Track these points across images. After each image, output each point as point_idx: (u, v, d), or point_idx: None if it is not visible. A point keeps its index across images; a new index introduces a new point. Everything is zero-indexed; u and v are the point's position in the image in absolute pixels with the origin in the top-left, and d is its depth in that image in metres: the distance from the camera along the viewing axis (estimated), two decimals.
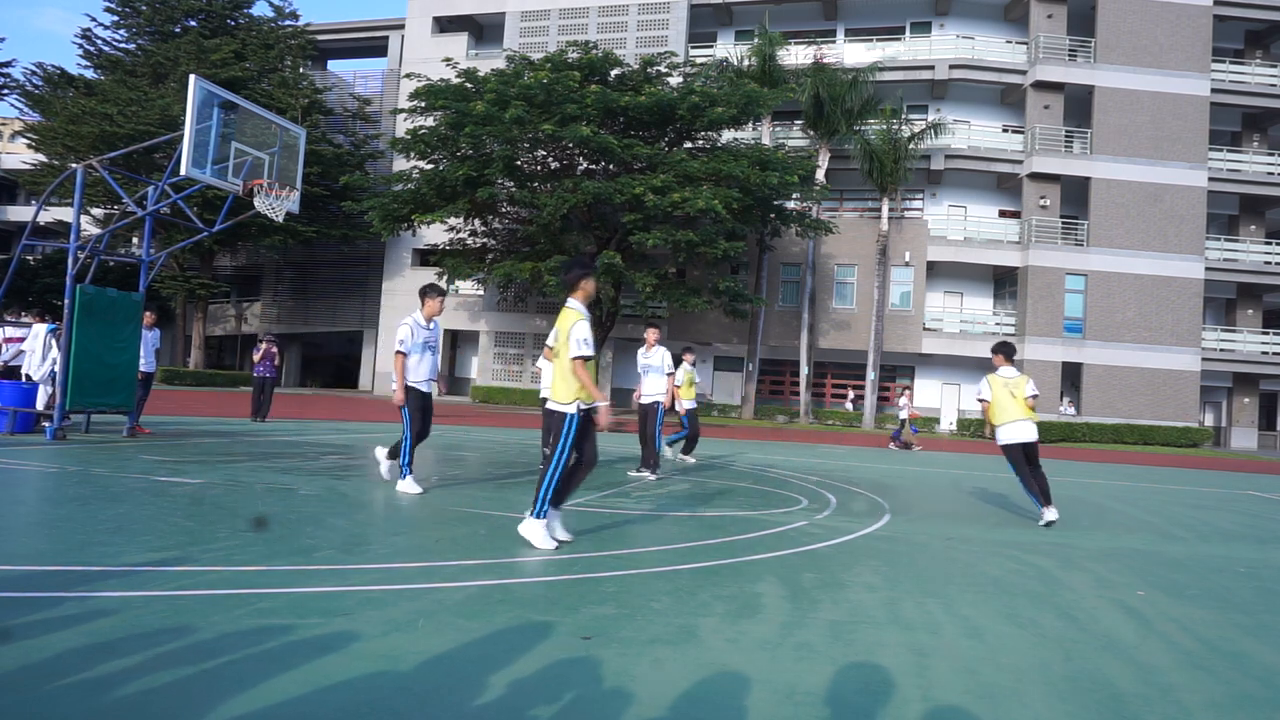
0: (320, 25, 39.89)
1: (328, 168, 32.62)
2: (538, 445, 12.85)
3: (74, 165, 10.16)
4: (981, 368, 31.72)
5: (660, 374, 9.57)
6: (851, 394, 31.97)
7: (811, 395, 30.35)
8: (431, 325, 6.95)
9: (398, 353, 6.68)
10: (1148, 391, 29.32)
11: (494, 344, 34.17)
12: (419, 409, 6.81)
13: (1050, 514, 7.18)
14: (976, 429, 28.71)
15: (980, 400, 7.63)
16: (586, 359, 4.81)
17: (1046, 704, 2.78)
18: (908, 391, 23.82)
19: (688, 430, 11.25)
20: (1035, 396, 7.45)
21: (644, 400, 9.57)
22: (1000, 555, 5.67)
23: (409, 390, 6.73)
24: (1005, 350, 7.68)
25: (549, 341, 5.78)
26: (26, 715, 2.20)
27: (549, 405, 5.08)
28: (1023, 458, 7.34)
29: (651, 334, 9.66)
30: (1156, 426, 28.62)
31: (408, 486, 6.81)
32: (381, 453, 7.37)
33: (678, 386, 10.40)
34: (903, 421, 19.64)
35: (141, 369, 10.62)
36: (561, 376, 4.91)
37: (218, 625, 3.05)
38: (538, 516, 4.87)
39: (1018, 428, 7.36)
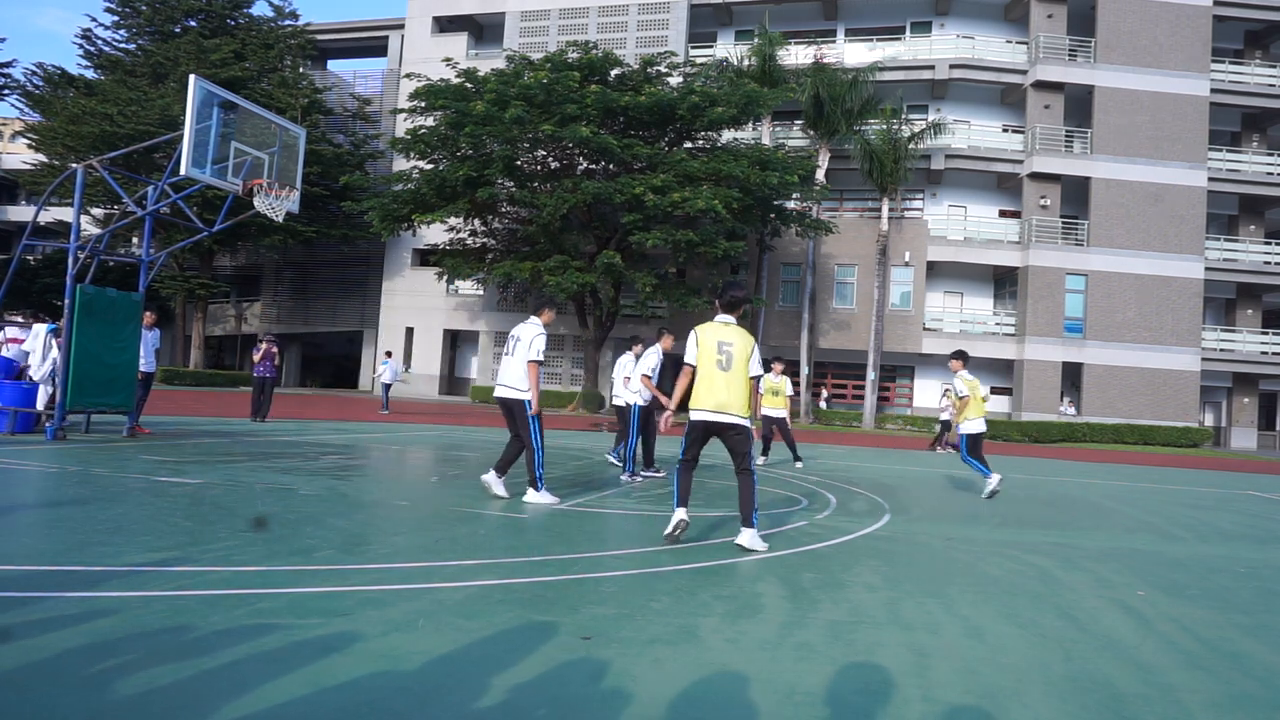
0: (320, 25, 39.88)
1: (328, 168, 32.61)
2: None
3: (74, 165, 10.15)
4: (982, 368, 31.73)
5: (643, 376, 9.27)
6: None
7: (812, 395, 30.36)
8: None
9: (535, 362, 6.53)
10: (1148, 391, 29.33)
11: (494, 344, 34.17)
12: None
13: (994, 482, 9.16)
14: None
15: (960, 396, 9.47)
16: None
17: (1046, 704, 2.78)
18: (950, 393, 22.91)
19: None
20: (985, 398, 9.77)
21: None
22: (1000, 555, 5.67)
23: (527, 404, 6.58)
24: (963, 357, 9.47)
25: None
26: (26, 715, 2.20)
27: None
28: (980, 443, 9.54)
29: (667, 339, 9.39)
30: (1156, 426, 28.62)
31: (543, 498, 6.60)
32: (491, 476, 6.86)
33: (761, 394, 10.45)
34: (943, 423, 19.15)
35: (141, 369, 10.62)
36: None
37: (217, 625, 3.05)
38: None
39: (982, 421, 9.59)
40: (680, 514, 5.26)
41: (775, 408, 11.96)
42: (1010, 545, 6.13)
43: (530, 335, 6.51)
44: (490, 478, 6.78)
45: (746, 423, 5.22)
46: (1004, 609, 4.11)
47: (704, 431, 5.26)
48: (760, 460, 11.41)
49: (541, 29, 34.06)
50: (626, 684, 2.71)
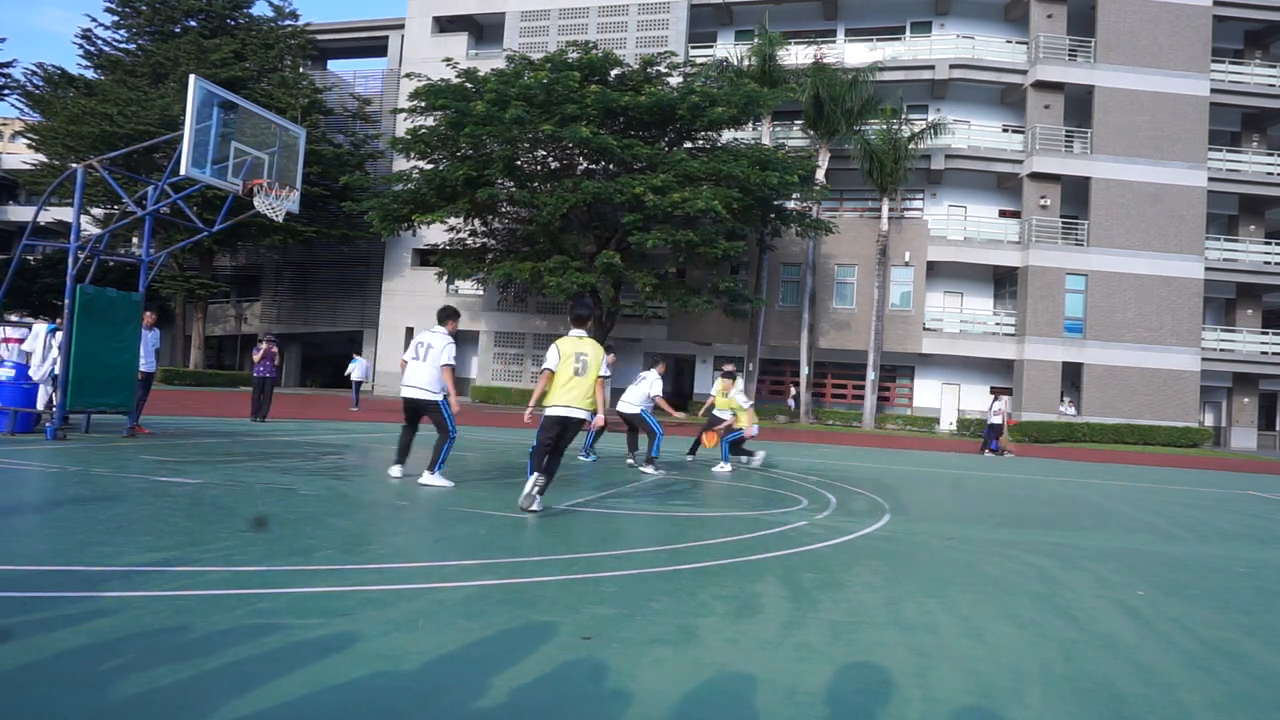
0: (320, 25, 39.87)
1: (328, 168, 32.61)
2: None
3: (74, 165, 10.15)
4: (982, 368, 31.75)
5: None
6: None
7: (812, 395, 30.35)
8: None
9: (450, 366, 7.33)
10: (1148, 391, 29.33)
11: (494, 344, 34.18)
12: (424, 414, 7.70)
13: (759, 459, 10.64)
14: (977, 428, 28.71)
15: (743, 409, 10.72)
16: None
17: (1046, 704, 2.78)
18: (1003, 396, 21.21)
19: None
20: None
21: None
22: (1000, 555, 5.67)
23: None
24: (732, 376, 10.87)
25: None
26: (27, 715, 2.20)
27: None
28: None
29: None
30: (1156, 426, 28.62)
31: (438, 480, 7.38)
32: (397, 469, 7.87)
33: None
34: (992, 426, 19.04)
35: (141, 369, 10.61)
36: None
37: (218, 625, 3.05)
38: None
39: (755, 428, 10.84)
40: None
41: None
42: (1010, 545, 6.13)
43: (442, 344, 7.31)
44: (396, 470, 7.76)
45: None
46: (1004, 609, 4.11)
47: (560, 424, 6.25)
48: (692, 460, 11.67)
49: (541, 29, 34.05)
50: (626, 684, 2.71)
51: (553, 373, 6.19)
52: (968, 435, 28.66)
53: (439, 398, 7.27)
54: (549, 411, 6.17)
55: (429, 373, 7.28)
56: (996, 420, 19.09)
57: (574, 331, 6.41)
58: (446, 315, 7.68)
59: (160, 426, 11.85)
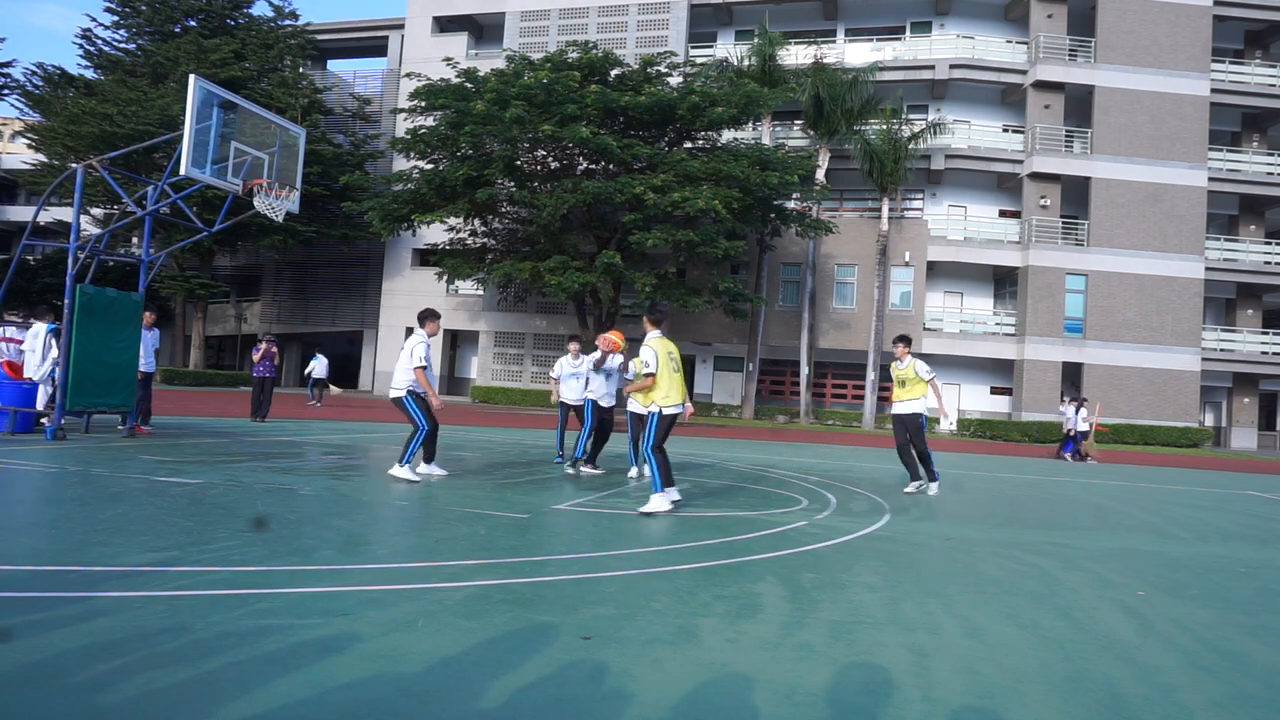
0: (320, 25, 39.87)
1: (328, 168, 32.61)
2: (537, 445, 12.85)
3: (74, 165, 10.16)
4: (982, 368, 31.75)
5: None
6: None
7: (812, 395, 30.35)
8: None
9: (421, 368, 7.80)
10: (1148, 391, 29.34)
11: (494, 344, 34.17)
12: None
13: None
14: (977, 428, 28.71)
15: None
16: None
17: (1047, 704, 2.78)
18: (1088, 401, 20.40)
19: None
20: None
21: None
22: (1000, 555, 5.67)
23: (420, 397, 7.92)
24: (905, 341, 9.26)
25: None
26: (26, 716, 2.20)
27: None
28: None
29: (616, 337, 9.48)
30: (1157, 426, 28.62)
31: (404, 473, 7.65)
32: (426, 468, 8.17)
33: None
34: (1071, 432, 18.56)
35: (141, 369, 10.62)
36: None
37: (217, 625, 3.04)
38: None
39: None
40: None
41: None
42: (1010, 545, 6.13)
43: (412, 345, 7.85)
44: (426, 469, 8.09)
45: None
46: (1004, 609, 4.11)
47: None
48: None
49: (541, 29, 34.05)
50: (626, 684, 2.71)
51: (654, 375, 6.64)
52: (968, 435, 28.66)
53: (402, 393, 7.82)
54: (668, 410, 6.68)
55: (396, 372, 7.95)
56: (1084, 427, 18.40)
57: (654, 333, 6.86)
58: (424, 317, 8.13)
59: (160, 426, 11.85)
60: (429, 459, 8.17)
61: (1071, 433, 18.67)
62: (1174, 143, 29.86)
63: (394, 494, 6.81)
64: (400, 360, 7.91)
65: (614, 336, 9.43)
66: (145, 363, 10.81)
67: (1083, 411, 18.71)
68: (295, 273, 40.42)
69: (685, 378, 7.30)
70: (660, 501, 6.47)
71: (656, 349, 6.70)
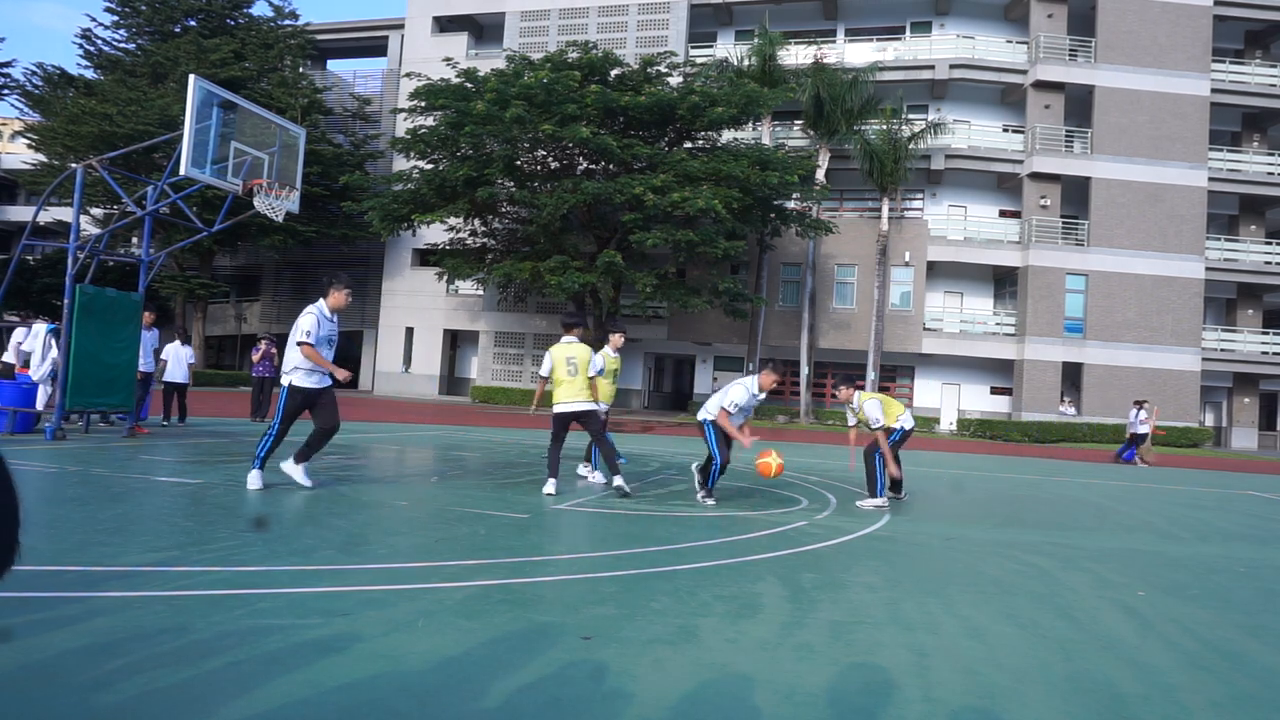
0: (320, 25, 39.86)
1: (327, 168, 32.60)
2: (537, 445, 12.85)
3: (74, 165, 10.15)
4: (982, 368, 31.74)
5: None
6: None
7: (812, 395, 30.34)
8: (334, 318, 6.90)
9: (304, 344, 6.51)
10: (1148, 392, 29.28)
11: (494, 344, 34.17)
12: (309, 406, 6.65)
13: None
14: (977, 429, 28.70)
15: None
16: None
17: (1047, 704, 2.78)
18: (1148, 403, 19.79)
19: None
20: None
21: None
22: (1000, 555, 5.67)
23: (299, 390, 6.57)
24: (848, 382, 8.61)
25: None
26: (26, 716, 2.20)
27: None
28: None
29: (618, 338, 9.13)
30: (1156, 426, 28.59)
31: (256, 481, 6.50)
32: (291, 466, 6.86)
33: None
34: (1133, 435, 18.25)
35: (141, 369, 10.62)
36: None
37: (217, 625, 3.04)
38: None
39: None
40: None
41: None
42: (1010, 545, 6.13)
43: (299, 320, 6.59)
44: (290, 468, 6.77)
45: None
46: (1004, 609, 4.11)
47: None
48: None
49: (541, 29, 34.05)
50: (626, 684, 2.71)
51: (545, 379, 7.50)
52: (968, 435, 28.65)
53: (284, 383, 6.61)
54: (557, 409, 7.45)
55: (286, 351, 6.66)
56: (1143, 429, 18.05)
57: (568, 338, 7.61)
58: (326, 283, 6.88)
59: (160, 426, 11.85)
60: (300, 459, 6.78)
61: (1133, 436, 18.35)
62: (1174, 143, 29.85)
63: (394, 494, 6.80)
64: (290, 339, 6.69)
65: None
66: (145, 363, 10.81)
67: (1142, 414, 18.30)
68: (295, 273, 40.40)
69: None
70: (549, 486, 7.22)
71: (554, 354, 7.54)
